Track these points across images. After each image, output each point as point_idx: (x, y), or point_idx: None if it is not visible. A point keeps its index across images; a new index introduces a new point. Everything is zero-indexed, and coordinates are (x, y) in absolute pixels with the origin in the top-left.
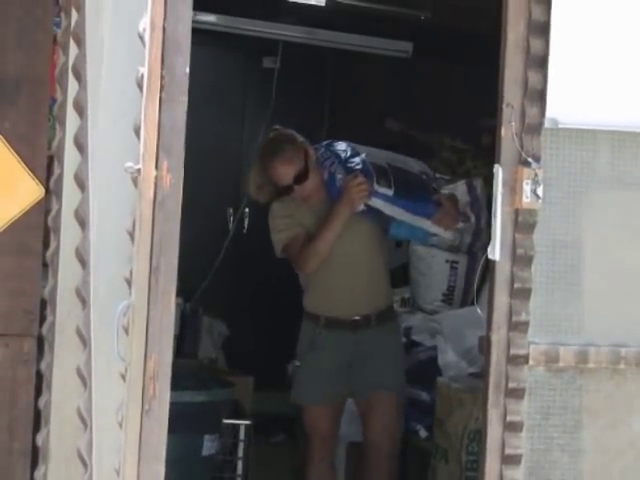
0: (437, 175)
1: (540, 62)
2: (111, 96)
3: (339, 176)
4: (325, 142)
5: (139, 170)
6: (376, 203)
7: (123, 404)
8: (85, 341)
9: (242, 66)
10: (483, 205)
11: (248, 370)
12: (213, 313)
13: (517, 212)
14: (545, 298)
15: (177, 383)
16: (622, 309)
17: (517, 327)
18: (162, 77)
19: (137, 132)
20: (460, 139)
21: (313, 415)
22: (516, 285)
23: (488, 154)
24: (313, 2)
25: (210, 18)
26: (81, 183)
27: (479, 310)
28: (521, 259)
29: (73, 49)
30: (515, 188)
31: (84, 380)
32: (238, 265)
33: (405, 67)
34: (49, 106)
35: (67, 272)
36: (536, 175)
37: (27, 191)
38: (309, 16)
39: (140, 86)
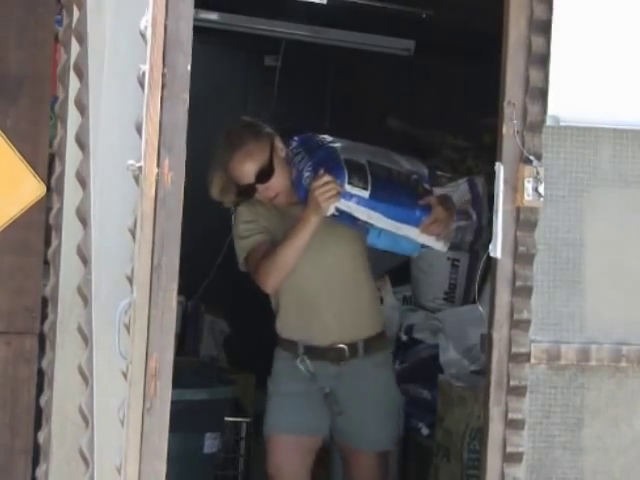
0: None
1: (541, 60)
2: (112, 94)
3: (306, 174)
4: (302, 135)
5: (140, 168)
6: (347, 206)
7: (124, 402)
8: (86, 339)
9: (244, 64)
10: (484, 203)
11: (249, 368)
12: (215, 311)
13: (519, 210)
14: (547, 296)
15: (178, 381)
16: (624, 307)
17: (519, 325)
18: (163, 75)
19: (138, 130)
20: (462, 137)
21: (281, 448)
22: (518, 283)
23: (490, 152)
24: (316, 0)
25: (212, 16)
26: (82, 181)
27: (481, 308)
28: (523, 257)
29: (75, 47)
30: (517, 186)
31: (85, 378)
32: None
33: (407, 65)
34: (50, 104)
35: (68, 270)
36: (537, 173)
37: (28, 189)
38: (311, 14)
39: (141, 84)
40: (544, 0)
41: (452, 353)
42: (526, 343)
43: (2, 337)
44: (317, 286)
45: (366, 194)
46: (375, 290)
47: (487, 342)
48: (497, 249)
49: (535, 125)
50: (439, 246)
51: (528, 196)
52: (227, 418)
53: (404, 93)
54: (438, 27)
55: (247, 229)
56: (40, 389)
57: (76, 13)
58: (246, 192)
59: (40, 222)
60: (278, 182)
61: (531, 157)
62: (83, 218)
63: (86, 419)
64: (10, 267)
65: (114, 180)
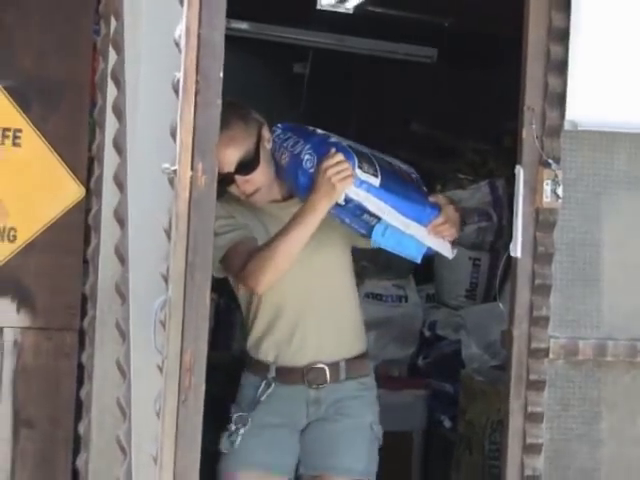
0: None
1: (560, 67)
2: (148, 100)
3: (306, 157)
4: (286, 123)
5: (175, 171)
6: (357, 194)
7: (160, 395)
8: (124, 335)
9: (273, 72)
10: (505, 204)
11: None
12: None
13: (538, 211)
14: (565, 294)
15: (211, 375)
16: (638, 305)
17: (538, 322)
18: (197, 82)
19: (173, 134)
20: (483, 140)
21: None
22: (537, 281)
23: (510, 155)
24: (342, 10)
25: (242, 25)
26: (120, 183)
27: (501, 305)
28: (542, 256)
29: (112, 55)
30: (536, 188)
31: (123, 372)
32: None
33: (430, 72)
34: (89, 110)
35: (107, 269)
36: (556, 176)
37: (68, 191)
38: (337, 24)
39: (176, 90)
40: (562, 9)
41: (474, 348)
42: (545, 339)
43: (43, 333)
44: (299, 299)
45: (377, 182)
46: (359, 307)
47: (507, 338)
48: (517, 249)
49: (553, 130)
50: (446, 250)
51: (547, 198)
52: None
53: (427, 99)
54: (459, 34)
55: (224, 225)
56: (80, 382)
57: (114, 23)
58: (222, 182)
59: (79, 223)
60: (260, 176)
61: (550, 160)
62: (121, 219)
63: (124, 411)
64: (51, 266)
65: (150, 182)
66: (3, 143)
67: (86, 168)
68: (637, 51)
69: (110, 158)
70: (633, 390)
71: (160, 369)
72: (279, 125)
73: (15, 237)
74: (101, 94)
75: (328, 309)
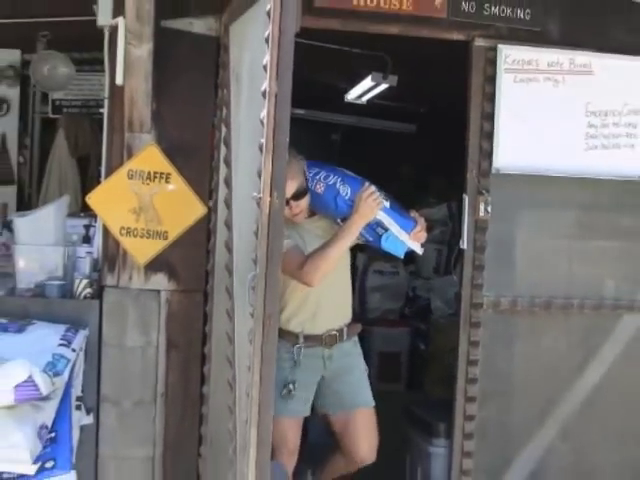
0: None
1: (489, 136)
2: (244, 155)
3: (341, 187)
4: (309, 161)
5: (260, 197)
6: (378, 214)
7: (251, 330)
8: (230, 294)
9: (319, 138)
10: (456, 217)
11: None
12: None
13: (477, 221)
14: (492, 270)
15: None
16: (535, 276)
17: (476, 287)
18: (273, 145)
19: (259, 175)
20: (444, 179)
21: (285, 426)
22: (476, 263)
23: (460, 188)
24: (360, 102)
25: (300, 111)
26: (228, 204)
27: (454, 277)
28: (479, 248)
29: (223, 129)
30: (475, 207)
31: (230, 316)
32: None
33: (411, 139)
34: (210, 161)
35: (220, 255)
36: (487, 200)
37: (197, 209)
38: (358, 109)
39: (261, 150)
40: (490, 100)
41: (438, 303)
42: (481, 297)
43: (183, 293)
44: (319, 290)
45: (387, 204)
46: (351, 290)
47: (458, 297)
48: (464, 243)
49: (485, 173)
50: (419, 249)
51: (482, 213)
52: None
53: (410, 154)
54: (429, 116)
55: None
56: (205, 322)
57: (224, 110)
58: None
59: (204, 228)
60: (305, 201)
61: (483, 191)
62: (228, 226)
63: (230, 339)
64: (186, 255)
65: (245, 204)
66: (160, 182)
67: (208, 196)
68: (535, 125)
69: (222, 190)
70: (533, 327)
71: (251, 315)
72: (307, 163)
73: (167, 236)
74: (217, 152)
75: (337, 295)
